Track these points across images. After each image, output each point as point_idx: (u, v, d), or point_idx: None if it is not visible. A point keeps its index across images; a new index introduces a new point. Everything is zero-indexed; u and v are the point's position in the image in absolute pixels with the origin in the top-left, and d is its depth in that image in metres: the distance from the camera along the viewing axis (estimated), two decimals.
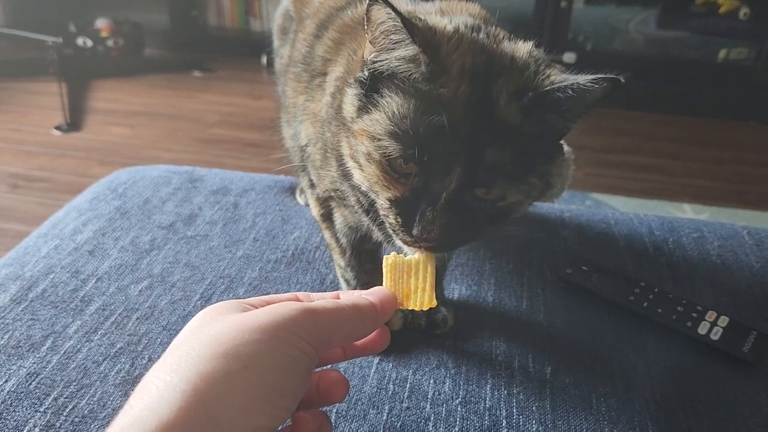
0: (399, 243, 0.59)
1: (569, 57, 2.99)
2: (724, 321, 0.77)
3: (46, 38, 2.95)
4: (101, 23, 3.40)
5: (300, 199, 1.04)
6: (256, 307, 0.44)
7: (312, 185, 0.81)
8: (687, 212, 2.25)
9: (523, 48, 0.59)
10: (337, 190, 0.72)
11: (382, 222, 0.64)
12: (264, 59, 3.45)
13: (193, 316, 0.76)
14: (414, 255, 0.57)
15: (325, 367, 0.48)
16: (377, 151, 0.55)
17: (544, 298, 0.84)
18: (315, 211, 0.82)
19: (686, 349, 0.76)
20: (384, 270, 0.55)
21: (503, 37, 0.60)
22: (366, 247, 0.80)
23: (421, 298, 0.53)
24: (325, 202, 0.79)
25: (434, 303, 0.53)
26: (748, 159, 2.71)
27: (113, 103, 3.06)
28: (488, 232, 0.60)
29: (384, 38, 0.55)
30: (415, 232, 0.54)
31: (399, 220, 0.56)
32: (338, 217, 0.78)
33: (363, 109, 0.57)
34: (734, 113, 2.99)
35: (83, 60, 3.33)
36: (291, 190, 1.07)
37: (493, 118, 0.54)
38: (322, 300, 0.46)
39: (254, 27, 3.73)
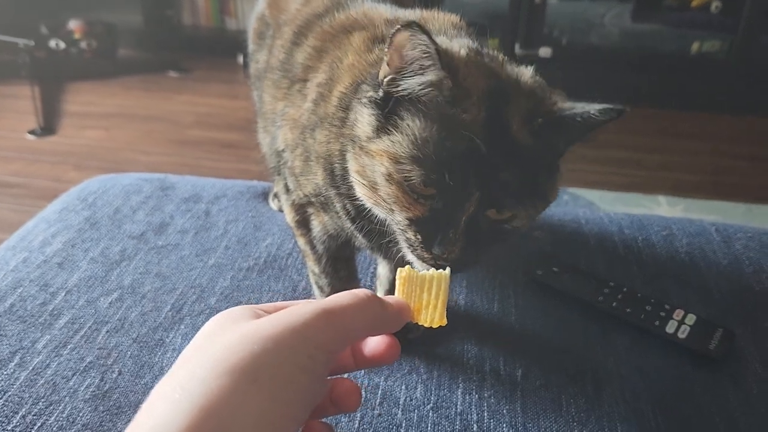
0: (413, 259, 0.60)
1: (545, 51, 3.00)
2: (691, 319, 0.78)
3: (17, 40, 2.91)
4: (74, 24, 3.35)
5: (273, 205, 1.03)
6: (269, 313, 0.42)
7: (287, 190, 0.80)
8: (662, 204, 2.27)
9: (526, 73, 0.61)
10: (321, 196, 0.72)
11: (370, 230, 0.65)
12: (240, 59, 3.42)
13: (163, 328, 0.77)
14: (429, 270, 0.56)
15: (337, 376, 0.47)
16: (399, 174, 0.56)
17: (515, 299, 0.85)
18: (290, 217, 0.82)
19: (655, 348, 0.77)
20: (397, 282, 0.54)
21: (503, 60, 0.62)
22: (343, 254, 0.80)
23: (431, 315, 0.52)
24: (301, 209, 0.79)
25: (444, 321, 0.51)
26: (722, 150, 2.74)
27: (88, 106, 3.02)
28: (493, 253, 0.62)
29: (409, 63, 0.55)
30: (436, 251, 0.56)
31: (419, 237, 0.58)
32: (316, 225, 0.78)
33: (382, 129, 0.58)
34: (708, 105, 3.03)
35: (56, 62, 3.28)
36: (264, 195, 1.07)
37: (506, 141, 0.56)
38: (336, 296, 0.44)
39: (230, 26, 3.70)
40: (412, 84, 0.56)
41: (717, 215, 2.17)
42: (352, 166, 0.61)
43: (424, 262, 0.58)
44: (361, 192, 0.61)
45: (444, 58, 0.54)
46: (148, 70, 3.45)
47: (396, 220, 0.59)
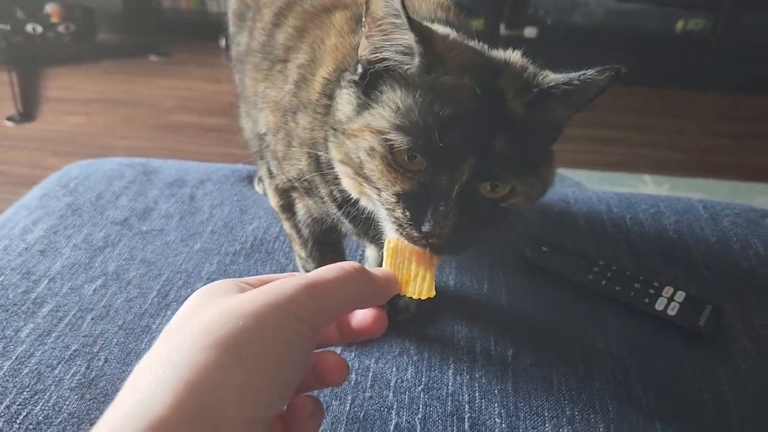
0: (404, 240, 0.55)
1: (530, 32, 2.99)
2: (680, 296, 0.78)
3: None
4: (51, 8, 3.28)
5: (258, 188, 1.02)
6: (254, 287, 0.42)
7: (271, 175, 0.79)
8: (648, 183, 2.29)
9: (514, 54, 0.59)
10: (305, 181, 0.71)
11: (357, 216, 0.63)
12: (222, 41, 3.38)
13: (149, 314, 0.76)
14: None
15: (322, 350, 0.46)
16: (383, 146, 0.53)
17: (505, 280, 0.84)
18: (274, 201, 0.81)
19: (644, 325, 0.77)
20: (385, 253, 0.53)
21: (488, 48, 0.60)
22: (330, 238, 0.79)
23: (420, 286, 0.51)
24: (285, 193, 0.78)
25: (433, 293, 0.51)
26: (706, 128, 2.75)
27: (67, 91, 2.97)
28: (489, 236, 0.58)
29: (381, 27, 0.54)
30: (426, 228, 0.52)
31: (407, 214, 0.54)
32: (301, 208, 0.77)
33: (362, 106, 0.56)
34: (693, 83, 3.04)
35: (33, 47, 3.22)
36: (249, 179, 1.05)
37: (500, 110, 0.54)
38: (322, 269, 0.43)
39: (211, 8, 3.64)
40: (386, 49, 0.55)
41: (702, 193, 2.18)
42: (335, 155, 0.59)
43: (414, 242, 0.54)
44: (347, 183, 0.59)
45: (413, 21, 0.52)
46: (128, 54, 3.40)
47: (383, 199, 0.55)
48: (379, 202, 0.57)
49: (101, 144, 2.52)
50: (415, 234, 0.53)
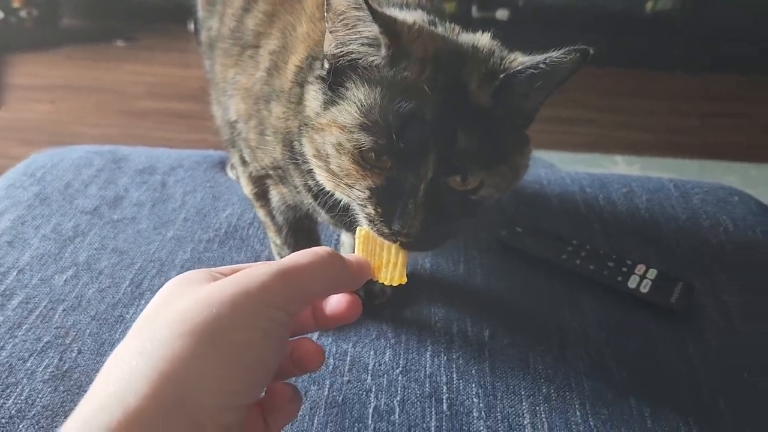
0: (376, 235, 0.55)
1: (502, 14, 2.98)
2: (652, 274, 0.79)
3: None
4: None
5: (231, 174, 1.01)
6: (226, 276, 0.41)
7: (244, 163, 0.78)
8: (619, 163, 2.31)
9: (483, 38, 0.58)
10: (279, 168, 0.70)
11: (332, 206, 0.62)
12: (191, 25, 3.31)
13: (123, 304, 0.75)
14: None
15: (298, 337, 0.46)
16: (349, 143, 0.53)
17: (480, 261, 0.85)
18: (247, 189, 0.80)
19: (617, 303, 0.78)
20: (357, 240, 0.53)
21: (459, 31, 0.59)
22: (304, 225, 0.78)
23: (391, 273, 0.52)
24: (259, 181, 0.77)
25: (404, 279, 0.51)
26: (676, 109, 2.79)
27: (31, 78, 2.89)
28: (461, 230, 0.59)
29: (344, 21, 0.53)
30: (395, 227, 0.52)
31: (378, 210, 0.54)
32: (275, 195, 0.76)
33: (329, 102, 0.56)
34: (662, 64, 3.07)
35: None
36: (221, 165, 1.04)
37: (464, 102, 0.53)
38: (295, 255, 0.43)
39: None
40: (350, 43, 0.54)
41: (672, 172, 2.21)
42: (308, 150, 0.58)
43: (385, 238, 0.54)
44: (321, 176, 0.58)
45: (377, 12, 0.52)
46: (93, 39, 3.31)
47: (354, 194, 0.56)
48: (349, 197, 0.57)
49: (68, 132, 2.46)
50: (386, 230, 0.53)
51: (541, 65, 0.52)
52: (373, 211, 0.54)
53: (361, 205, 0.55)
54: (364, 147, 0.53)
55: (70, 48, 3.20)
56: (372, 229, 0.55)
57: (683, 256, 0.86)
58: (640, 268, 0.80)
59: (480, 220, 0.59)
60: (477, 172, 0.54)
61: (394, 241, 0.53)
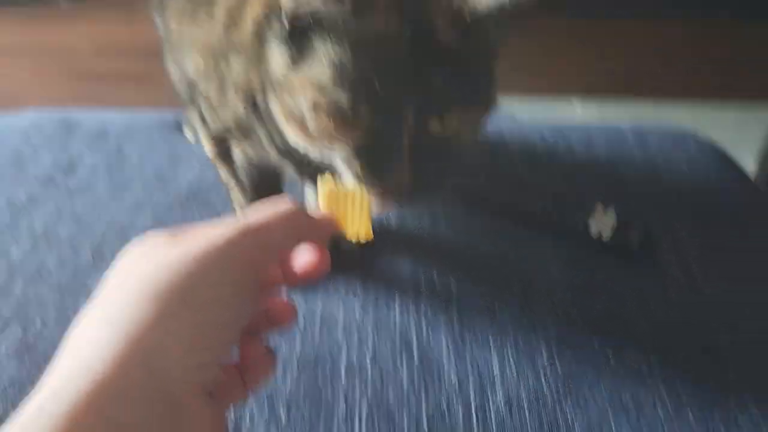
0: (365, 191, 0.52)
1: None
2: (611, 217, 0.81)
3: None
4: None
5: (189, 135, 0.99)
6: (189, 235, 0.40)
7: (204, 122, 0.76)
8: (576, 107, 2.35)
9: None
10: (241, 125, 0.68)
11: (300, 161, 0.61)
12: None
13: (85, 272, 0.73)
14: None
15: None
16: (324, 102, 0.52)
17: (444, 212, 0.85)
18: (208, 149, 0.78)
19: (578, 249, 0.80)
20: (320, 195, 0.53)
21: None
22: (269, 183, 0.77)
23: (357, 228, 0.52)
24: (220, 140, 0.75)
25: (371, 234, 0.51)
26: (631, 52, 2.81)
27: None
28: (448, 177, 0.58)
29: None
30: (386, 181, 0.52)
31: (365, 166, 0.53)
32: (238, 154, 0.74)
33: (296, 60, 0.54)
34: (621, 10, 3.08)
35: None
36: (178, 126, 1.01)
37: (433, 45, 0.52)
38: (258, 209, 0.42)
39: None
40: (313, 3, 0.52)
41: (629, 114, 2.25)
42: (277, 109, 0.57)
43: (376, 194, 0.53)
44: (295, 134, 0.57)
45: None
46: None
47: (338, 152, 0.55)
48: (329, 155, 0.56)
49: (13, 97, 2.37)
50: (377, 184, 0.53)
51: (507, 6, 0.52)
52: (359, 171, 0.54)
53: (347, 164, 0.55)
54: (341, 103, 0.52)
55: (9, 8, 3.03)
56: (361, 185, 0.54)
57: (643, 202, 0.88)
58: (600, 215, 0.81)
59: (458, 169, 0.59)
60: (455, 111, 0.54)
61: (386, 197, 0.53)
